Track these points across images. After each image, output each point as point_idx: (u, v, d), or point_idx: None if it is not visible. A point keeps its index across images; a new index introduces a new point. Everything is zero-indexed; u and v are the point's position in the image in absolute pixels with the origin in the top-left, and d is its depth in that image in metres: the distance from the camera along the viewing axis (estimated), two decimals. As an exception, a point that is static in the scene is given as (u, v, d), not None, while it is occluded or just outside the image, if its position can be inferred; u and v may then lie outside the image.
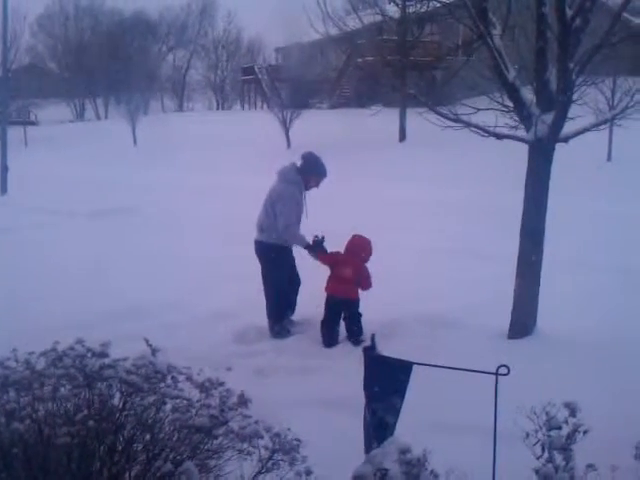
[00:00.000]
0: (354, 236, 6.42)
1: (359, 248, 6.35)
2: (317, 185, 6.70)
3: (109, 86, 56.87)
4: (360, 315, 6.30)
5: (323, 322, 6.31)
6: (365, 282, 6.30)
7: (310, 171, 6.59)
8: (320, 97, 41.22)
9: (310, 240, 6.45)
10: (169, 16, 69.72)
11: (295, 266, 6.75)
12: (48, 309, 6.84)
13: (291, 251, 6.69)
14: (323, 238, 6.49)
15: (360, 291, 6.33)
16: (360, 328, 6.22)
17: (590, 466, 2.37)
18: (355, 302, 6.30)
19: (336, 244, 6.47)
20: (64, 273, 8.61)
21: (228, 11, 68.77)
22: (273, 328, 6.50)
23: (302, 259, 6.68)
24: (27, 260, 9.48)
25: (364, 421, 3.36)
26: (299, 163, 6.63)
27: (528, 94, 5.94)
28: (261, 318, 6.63)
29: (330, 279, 6.37)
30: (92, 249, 10.38)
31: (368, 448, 3.16)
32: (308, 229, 6.59)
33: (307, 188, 6.64)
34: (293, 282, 6.71)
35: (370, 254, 6.36)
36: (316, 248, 6.45)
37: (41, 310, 6.80)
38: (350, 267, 6.27)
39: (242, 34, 69.74)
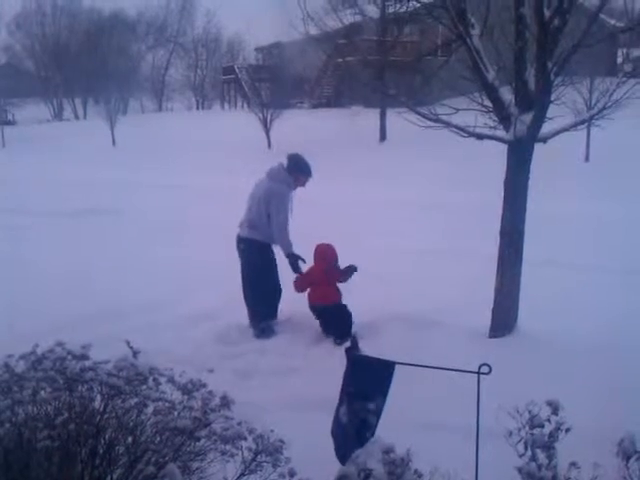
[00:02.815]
0: (317, 245, 6.57)
1: (320, 255, 6.51)
2: (303, 185, 6.78)
3: (87, 86, 56.46)
4: (345, 316, 6.31)
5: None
6: (335, 276, 6.41)
7: (296, 171, 6.68)
8: (301, 97, 41.24)
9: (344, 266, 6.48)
10: (148, 15, 69.38)
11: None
12: (27, 311, 6.77)
13: (272, 251, 6.69)
14: (354, 270, 6.49)
15: (340, 296, 6.43)
16: (341, 330, 6.17)
17: (573, 464, 2.39)
18: (331, 307, 6.33)
19: (313, 243, 6.51)
20: (43, 274, 8.52)
21: (207, 10, 68.58)
22: (257, 326, 6.48)
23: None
24: (5, 261, 9.37)
25: (335, 425, 3.31)
26: (285, 163, 6.69)
27: (507, 94, 5.98)
28: (243, 318, 6.62)
29: (310, 289, 6.50)
30: (71, 250, 10.30)
31: (340, 453, 3.13)
32: (294, 230, 6.61)
33: (294, 188, 6.70)
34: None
35: (333, 257, 6.48)
36: (297, 259, 6.50)
37: (20, 312, 6.72)
38: (318, 272, 6.43)
39: (222, 33, 69.56)
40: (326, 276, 6.39)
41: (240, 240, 6.62)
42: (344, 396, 3.26)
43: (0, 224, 12.65)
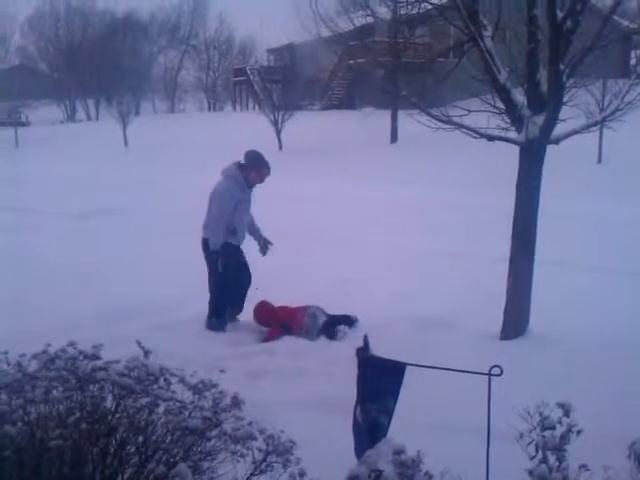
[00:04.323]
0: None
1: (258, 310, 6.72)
2: (261, 180, 6.82)
3: (100, 87, 56.80)
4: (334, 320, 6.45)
5: None
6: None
7: (250, 165, 6.75)
8: (312, 99, 41.29)
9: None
10: (160, 17, 69.72)
11: (246, 264, 6.84)
12: (39, 311, 6.80)
13: (237, 248, 6.77)
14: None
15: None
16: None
17: (583, 466, 2.38)
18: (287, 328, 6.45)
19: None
20: (54, 275, 8.56)
21: (220, 11, 68.78)
22: (210, 319, 6.66)
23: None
24: (16, 261, 9.43)
25: (354, 424, 3.34)
26: (242, 160, 6.80)
27: (519, 96, 5.97)
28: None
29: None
30: (82, 250, 10.34)
31: (358, 451, 3.15)
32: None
33: (250, 184, 6.75)
34: (242, 281, 6.79)
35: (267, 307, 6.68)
36: (218, 257, 6.59)
37: (31, 312, 6.76)
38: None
39: (234, 35, 69.82)
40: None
41: (202, 240, 6.77)
42: (358, 396, 3.28)
43: (12, 223, 12.73)
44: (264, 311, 6.61)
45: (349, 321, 6.43)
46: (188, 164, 26.79)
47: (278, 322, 6.47)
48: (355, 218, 13.58)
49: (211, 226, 6.57)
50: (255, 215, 7.01)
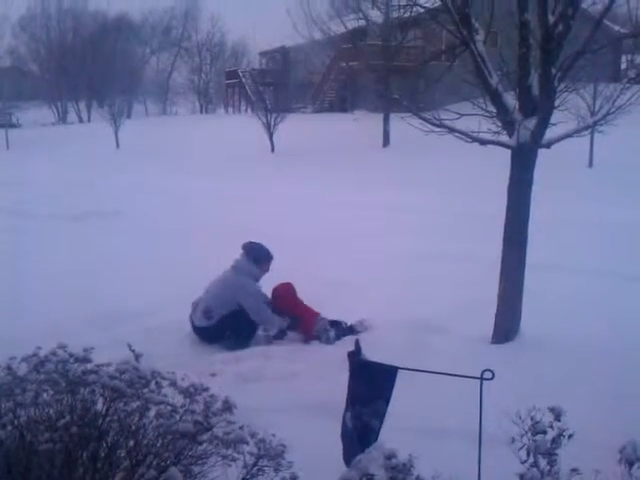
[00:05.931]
0: (274, 288, 6.64)
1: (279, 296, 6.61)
2: (268, 270, 6.76)
3: (92, 89, 56.73)
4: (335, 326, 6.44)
5: None
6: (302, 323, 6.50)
7: (264, 260, 6.68)
8: (304, 101, 41.34)
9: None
10: (152, 19, 69.66)
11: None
12: (29, 314, 6.77)
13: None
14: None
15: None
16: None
17: (574, 470, 2.38)
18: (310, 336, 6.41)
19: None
20: (46, 277, 8.52)
21: (212, 14, 68.67)
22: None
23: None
24: (6, 264, 9.38)
25: (343, 429, 3.32)
26: (249, 256, 6.63)
27: (511, 100, 5.98)
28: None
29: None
30: (73, 253, 10.30)
31: (347, 456, 3.14)
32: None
33: (260, 277, 6.69)
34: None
35: (289, 296, 6.57)
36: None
37: (22, 315, 6.73)
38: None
39: (226, 37, 69.74)
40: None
41: (202, 330, 6.44)
42: (348, 401, 3.27)
43: (3, 226, 12.67)
44: (290, 295, 6.58)
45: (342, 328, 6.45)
46: (180, 166, 26.78)
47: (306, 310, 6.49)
48: (348, 221, 13.60)
49: (270, 325, 6.45)
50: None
